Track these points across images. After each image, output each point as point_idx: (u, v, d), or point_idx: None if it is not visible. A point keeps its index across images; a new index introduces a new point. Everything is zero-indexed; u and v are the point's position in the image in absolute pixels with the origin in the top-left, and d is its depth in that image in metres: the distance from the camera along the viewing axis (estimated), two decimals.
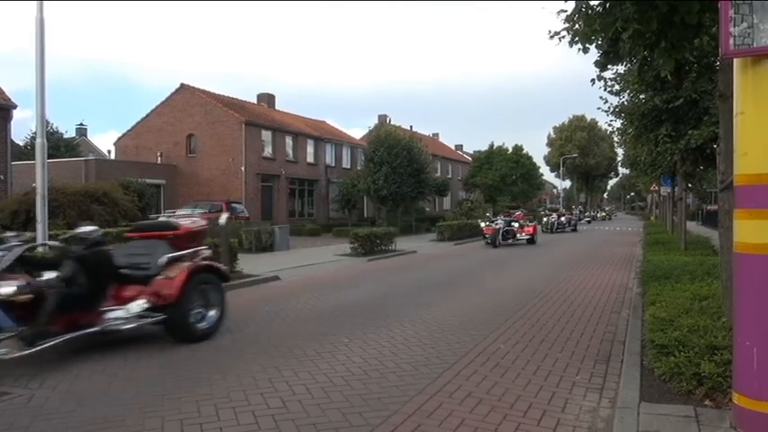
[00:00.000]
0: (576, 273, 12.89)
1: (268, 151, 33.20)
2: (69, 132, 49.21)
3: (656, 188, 31.26)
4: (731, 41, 3.31)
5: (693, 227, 25.95)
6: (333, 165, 38.99)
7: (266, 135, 33.25)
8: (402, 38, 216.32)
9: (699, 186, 37.84)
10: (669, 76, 10.75)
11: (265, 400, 4.40)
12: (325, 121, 44.89)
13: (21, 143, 39.38)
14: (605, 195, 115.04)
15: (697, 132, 11.11)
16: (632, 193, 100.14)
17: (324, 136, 38.79)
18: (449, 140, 67.89)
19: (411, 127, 50.97)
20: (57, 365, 5.37)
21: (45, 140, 9.37)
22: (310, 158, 36.90)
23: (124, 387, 4.77)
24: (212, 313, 6.58)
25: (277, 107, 39.81)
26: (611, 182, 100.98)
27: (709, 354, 4.21)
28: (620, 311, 8.06)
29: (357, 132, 50.78)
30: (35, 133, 9.89)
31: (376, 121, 50.55)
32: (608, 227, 43.72)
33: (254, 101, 38.90)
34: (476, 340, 6.29)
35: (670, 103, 11.17)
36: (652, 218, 49.36)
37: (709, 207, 41.32)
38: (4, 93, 18.21)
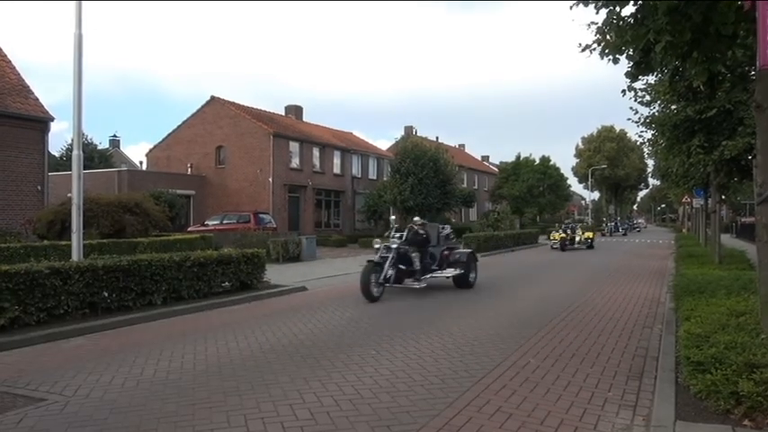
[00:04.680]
0: (606, 286, 12.67)
1: (295, 162, 33.56)
2: (103, 143, 50.52)
3: (689, 200, 30.57)
4: None
5: (727, 239, 25.27)
6: (359, 176, 39.19)
7: (294, 146, 33.64)
8: (427, 49, 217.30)
9: (733, 198, 36.94)
10: (702, 87, 10.57)
11: (294, 411, 4.42)
12: (351, 133, 45.22)
13: (56, 154, 40.55)
14: (635, 207, 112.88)
15: (732, 143, 10.86)
16: (663, 205, 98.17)
17: (350, 147, 39.05)
18: (475, 151, 67.89)
19: (437, 138, 51.12)
20: (91, 372, 5.48)
21: (81, 152, 9.62)
22: (337, 169, 37.16)
23: (156, 396, 4.84)
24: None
25: (305, 119, 40.26)
26: (641, 193, 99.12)
27: (747, 372, 4.08)
28: (652, 326, 7.89)
29: (383, 144, 51.11)
30: (71, 145, 10.18)
31: (402, 133, 50.72)
32: (638, 239, 42.78)
33: (283, 113, 39.42)
34: (504, 354, 6.23)
35: (703, 114, 10.95)
36: (684, 230, 48.26)
37: (743, 219, 40.27)
38: (42, 106, 18.77)
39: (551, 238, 27.62)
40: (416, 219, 12.04)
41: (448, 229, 12.93)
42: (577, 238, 26.95)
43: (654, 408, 4.32)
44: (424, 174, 31.26)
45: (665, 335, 6.87)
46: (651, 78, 11.96)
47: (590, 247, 27.04)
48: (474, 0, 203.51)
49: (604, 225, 51.91)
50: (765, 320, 4.79)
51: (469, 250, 12.99)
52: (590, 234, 27.84)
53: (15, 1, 66.63)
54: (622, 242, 36.78)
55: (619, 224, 53.49)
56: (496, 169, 59.49)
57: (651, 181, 71.96)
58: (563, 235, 26.38)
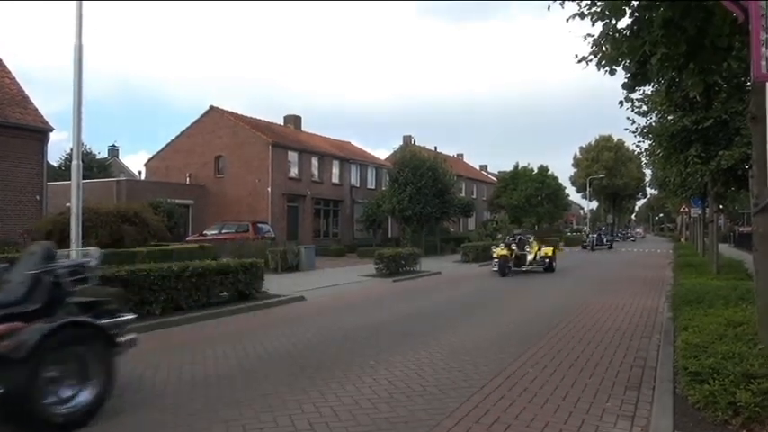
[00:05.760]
0: (604, 295, 12.68)
1: (294, 172, 33.60)
2: (102, 153, 50.52)
3: (686, 209, 30.60)
4: (763, 64, 3.29)
5: (725, 249, 25.31)
6: (357, 185, 39.22)
7: (292, 156, 33.69)
8: (426, 58, 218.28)
9: (730, 207, 36.99)
10: (698, 97, 10.64)
11: (293, 422, 4.42)
12: (350, 142, 45.30)
13: (55, 164, 40.54)
14: (633, 216, 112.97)
15: (728, 153, 10.91)
16: (661, 214, 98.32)
17: (349, 157, 39.13)
18: (473, 161, 67.93)
19: (435, 148, 51.19)
20: None
21: (81, 162, 9.66)
22: (335, 179, 37.20)
23: (154, 406, 4.83)
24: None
25: (303, 128, 40.35)
26: (639, 202, 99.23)
27: (745, 382, 4.09)
28: (650, 336, 7.90)
29: (382, 153, 51.12)
30: (69, 154, 10.20)
31: (400, 143, 50.85)
32: (636, 248, 42.79)
33: (281, 122, 39.51)
34: (503, 364, 6.23)
35: (699, 124, 11.02)
36: (682, 240, 48.31)
37: (741, 229, 40.37)
38: (42, 117, 18.81)
39: (493, 255, 19.22)
40: None
41: (90, 259, 5.23)
42: (529, 257, 18.74)
43: (652, 418, 4.33)
44: (422, 183, 31.31)
45: (663, 345, 6.89)
46: (648, 89, 12.04)
47: (548, 269, 19.32)
48: (475, 1, 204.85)
49: (585, 236, 43.41)
50: (763, 330, 4.81)
51: (57, 324, 4.26)
52: (548, 251, 19.72)
53: (17, 1, 66.92)
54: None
55: (603, 234, 43.75)
56: (495, 179, 59.64)
57: (649, 190, 72.13)
58: (504, 252, 18.20)
